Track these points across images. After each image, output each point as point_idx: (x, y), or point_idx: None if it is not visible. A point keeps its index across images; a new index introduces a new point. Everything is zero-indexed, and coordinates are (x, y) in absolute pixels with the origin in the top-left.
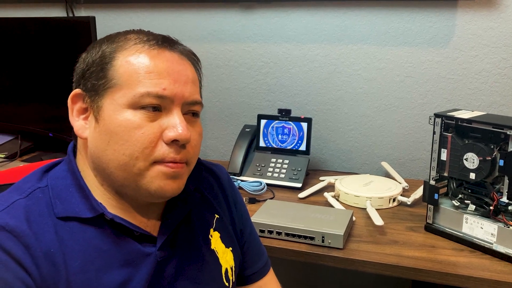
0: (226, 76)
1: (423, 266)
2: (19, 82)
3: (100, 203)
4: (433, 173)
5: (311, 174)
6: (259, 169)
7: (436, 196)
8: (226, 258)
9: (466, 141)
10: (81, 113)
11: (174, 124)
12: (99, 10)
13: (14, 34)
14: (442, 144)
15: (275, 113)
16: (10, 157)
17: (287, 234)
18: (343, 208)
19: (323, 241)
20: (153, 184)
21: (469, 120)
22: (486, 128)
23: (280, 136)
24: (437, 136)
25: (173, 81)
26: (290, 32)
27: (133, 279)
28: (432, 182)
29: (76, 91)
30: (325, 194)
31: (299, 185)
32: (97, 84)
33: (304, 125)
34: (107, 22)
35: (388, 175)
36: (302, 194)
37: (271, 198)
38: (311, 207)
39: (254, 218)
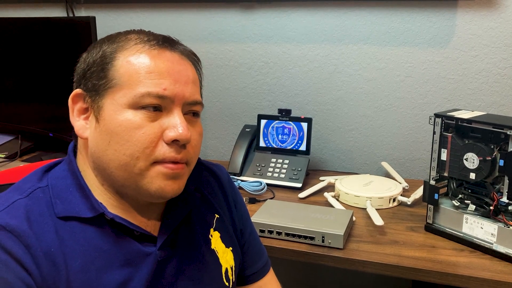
0: (226, 76)
1: (423, 266)
2: (19, 82)
3: (101, 203)
4: (433, 173)
5: (311, 174)
6: (259, 169)
7: (436, 196)
8: (226, 258)
9: (466, 141)
10: (81, 113)
11: (175, 124)
12: (99, 10)
13: (14, 34)
14: (442, 144)
15: (275, 113)
16: (10, 157)
17: (287, 234)
18: (343, 208)
19: (323, 241)
20: (153, 185)
21: (469, 120)
22: (486, 128)
23: (280, 136)
24: (437, 136)
25: (173, 81)
26: (290, 32)
27: (134, 279)
28: (432, 182)
29: (77, 91)
30: (325, 194)
31: (299, 185)
32: (98, 84)
33: (304, 125)
34: (107, 22)
35: (388, 175)
36: (302, 194)
37: (271, 198)
38: (311, 207)
39: (254, 218)
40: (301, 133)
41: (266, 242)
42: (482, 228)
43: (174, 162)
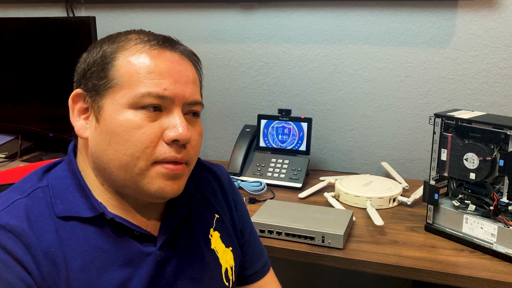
0: (226, 76)
1: (423, 266)
2: (19, 82)
3: (101, 203)
4: (433, 173)
5: (311, 174)
6: (259, 169)
7: (436, 196)
8: (226, 258)
9: (466, 141)
10: (82, 113)
11: (175, 124)
12: (100, 10)
13: (14, 34)
14: (442, 144)
15: (275, 113)
16: (11, 157)
17: (287, 234)
18: (343, 208)
19: (323, 241)
20: (153, 185)
21: (469, 120)
22: (486, 128)
23: (280, 136)
24: (437, 136)
25: (173, 81)
26: (290, 32)
27: (133, 279)
28: (432, 182)
29: (77, 91)
30: (325, 194)
31: (299, 185)
32: (98, 84)
33: (304, 125)
34: (108, 22)
35: (388, 175)
36: (302, 194)
37: (271, 198)
38: (311, 207)
39: (254, 218)
40: (301, 133)
41: (266, 242)
42: (482, 228)
43: (174, 162)
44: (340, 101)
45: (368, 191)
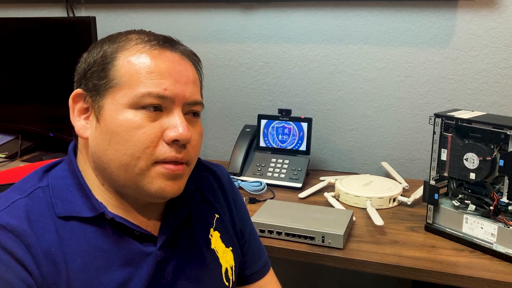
0: (227, 76)
1: (423, 266)
2: (19, 82)
3: (101, 203)
4: (433, 173)
5: (311, 174)
6: (259, 169)
7: (436, 196)
8: (226, 257)
9: (466, 141)
10: (82, 113)
11: (175, 124)
12: (100, 10)
13: (14, 34)
14: (442, 144)
15: (276, 113)
16: (11, 157)
17: (287, 234)
18: (343, 208)
19: (323, 241)
20: (153, 185)
21: (469, 120)
22: (486, 128)
23: (280, 136)
24: (437, 136)
25: (174, 81)
26: (290, 32)
27: (134, 279)
28: (432, 182)
29: (77, 91)
30: (325, 194)
31: (299, 185)
32: (98, 84)
33: (304, 125)
34: (108, 22)
35: (388, 175)
36: (302, 194)
37: (271, 198)
38: (311, 207)
39: (254, 218)
40: (301, 133)
41: (266, 242)
42: (482, 228)
43: (175, 162)
44: (340, 101)
45: (368, 191)
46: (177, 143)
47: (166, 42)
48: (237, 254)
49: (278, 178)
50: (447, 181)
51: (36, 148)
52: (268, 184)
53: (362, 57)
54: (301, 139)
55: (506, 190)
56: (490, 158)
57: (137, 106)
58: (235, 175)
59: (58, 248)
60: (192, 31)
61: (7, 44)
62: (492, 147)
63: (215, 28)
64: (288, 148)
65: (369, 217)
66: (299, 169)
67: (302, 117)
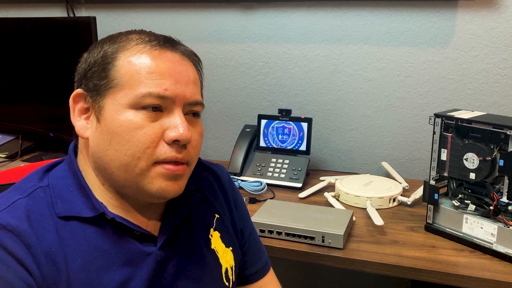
0: (227, 76)
1: (423, 266)
2: (20, 82)
3: (101, 203)
4: (433, 173)
5: (311, 174)
6: (259, 169)
7: (436, 196)
8: (226, 257)
9: (466, 141)
10: (82, 113)
11: (175, 124)
12: (100, 10)
13: (15, 34)
14: (442, 144)
15: (276, 113)
16: (11, 157)
17: (287, 234)
18: (343, 208)
19: (323, 241)
20: (154, 185)
21: (469, 120)
22: (486, 128)
23: (280, 136)
24: (437, 136)
25: (174, 82)
26: (290, 32)
27: (134, 279)
28: (432, 182)
29: (78, 91)
30: (325, 194)
31: (299, 185)
32: (99, 84)
33: (305, 125)
34: (108, 22)
35: (388, 175)
36: (302, 194)
37: (272, 198)
38: (311, 207)
39: (254, 218)
40: (301, 133)
41: (266, 242)
42: (482, 228)
43: (175, 162)
44: (340, 101)
45: (368, 191)
46: (177, 143)
47: (167, 42)
48: (237, 254)
49: (278, 178)
50: (447, 181)
51: (36, 148)
52: (268, 184)
53: (362, 57)
54: (301, 139)
55: (506, 190)
56: (490, 158)
57: (137, 106)
58: (235, 175)
59: (59, 248)
60: (192, 31)
61: (7, 44)
62: (492, 147)
63: (215, 28)
64: (288, 148)
65: (369, 217)
66: (299, 169)
67: (302, 117)
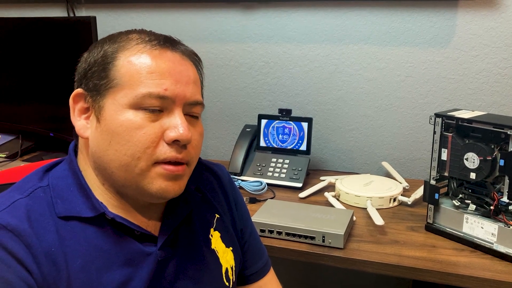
0: (227, 76)
1: (424, 266)
2: (20, 82)
3: (101, 203)
4: (434, 173)
5: (311, 174)
6: (259, 169)
7: (436, 196)
8: (226, 257)
9: (467, 141)
10: (82, 113)
11: (176, 124)
12: (100, 10)
13: (15, 34)
14: (443, 144)
15: (276, 113)
16: (11, 157)
17: (287, 234)
18: (343, 208)
19: (323, 240)
20: (154, 185)
21: (469, 120)
22: (486, 128)
23: (280, 136)
24: (437, 136)
25: (174, 82)
26: (290, 32)
27: (134, 279)
28: (433, 182)
29: (78, 90)
30: (326, 194)
31: (299, 185)
32: (99, 84)
33: (305, 125)
34: (108, 22)
35: (388, 175)
36: (302, 194)
37: (272, 198)
38: (312, 207)
39: (255, 218)
40: (302, 133)
41: (266, 241)
42: (482, 228)
43: (175, 163)
44: (340, 101)
45: (369, 191)
46: (177, 143)
47: (167, 42)
48: (238, 254)
49: (279, 178)
50: (447, 181)
51: (36, 148)
52: (268, 184)
53: (363, 57)
54: (301, 139)
55: (507, 190)
56: (490, 158)
57: (137, 106)
58: (236, 175)
59: (59, 248)
60: (193, 31)
61: (7, 44)
62: (493, 146)
63: (215, 28)
64: (289, 148)
65: (369, 217)
66: (300, 169)
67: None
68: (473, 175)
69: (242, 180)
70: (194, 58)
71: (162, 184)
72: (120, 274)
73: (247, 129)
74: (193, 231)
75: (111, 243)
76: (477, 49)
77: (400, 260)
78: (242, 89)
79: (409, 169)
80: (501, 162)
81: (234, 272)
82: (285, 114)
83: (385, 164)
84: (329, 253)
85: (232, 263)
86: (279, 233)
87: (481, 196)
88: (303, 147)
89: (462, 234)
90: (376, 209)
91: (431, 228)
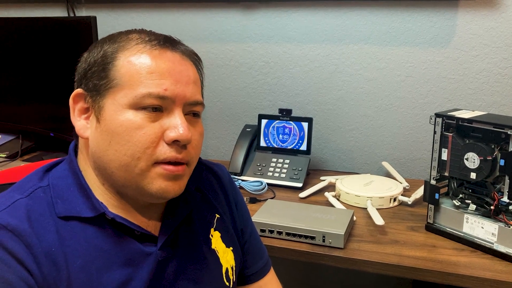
0: (227, 76)
1: (424, 265)
2: (20, 82)
3: (101, 203)
4: (434, 173)
5: (311, 174)
6: (259, 169)
7: (436, 195)
8: (226, 257)
9: (467, 141)
10: (82, 113)
11: (175, 124)
12: (100, 10)
13: (15, 34)
14: (443, 144)
15: (276, 113)
16: (11, 157)
17: (288, 234)
18: (343, 208)
19: (323, 240)
20: (154, 185)
21: (469, 120)
22: (486, 128)
23: (281, 136)
24: (437, 136)
25: (174, 82)
26: (291, 32)
27: (134, 279)
28: (433, 182)
29: (78, 91)
30: (326, 193)
31: (299, 184)
32: (99, 84)
33: (305, 125)
34: (108, 22)
35: (388, 175)
36: (302, 194)
37: (272, 198)
38: (312, 206)
39: (255, 218)
40: (302, 133)
41: (266, 241)
42: (482, 227)
43: (175, 163)
44: (340, 101)
45: (369, 191)
46: (177, 144)
47: (167, 42)
48: (238, 254)
49: (279, 178)
50: (447, 180)
51: (36, 148)
52: (268, 184)
53: (363, 57)
54: (301, 139)
55: (507, 190)
56: (490, 158)
57: (137, 106)
58: (236, 175)
59: (59, 248)
60: (193, 30)
61: (7, 44)
62: (493, 146)
63: (215, 28)
64: (289, 148)
65: (369, 217)
66: (300, 168)
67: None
68: (473, 175)
69: (242, 180)
70: (194, 58)
71: (162, 184)
72: (120, 274)
73: (247, 129)
74: (193, 231)
75: (111, 243)
76: (477, 49)
77: (400, 260)
78: (242, 89)
79: (409, 169)
80: (502, 162)
81: (234, 272)
82: (285, 114)
83: (385, 164)
84: (329, 253)
85: (233, 263)
86: (279, 233)
87: (482, 196)
88: (303, 147)
89: (462, 234)
90: (376, 209)
91: (431, 228)
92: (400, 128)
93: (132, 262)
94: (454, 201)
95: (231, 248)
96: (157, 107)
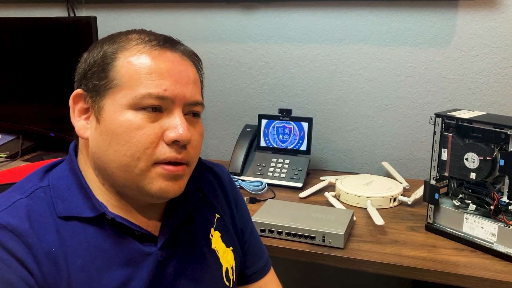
0: (227, 76)
1: (424, 265)
2: (20, 82)
3: (101, 203)
4: (434, 173)
5: (311, 174)
6: (259, 169)
7: (436, 195)
8: (226, 257)
9: (467, 141)
10: (82, 113)
11: (175, 125)
12: (100, 10)
13: (15, 34)
14: (443, 144)
15: (276, 113)
16: (12, 157)
17: (287, 234)
18: (343, 207)
19: (323, 240)
20: (154, 185)
21: (469, 120)
22: (486, 128)
23: (281, 136)
24: (437, 136)
25: (174, 82)
26: (291, 32)
27: (134, 279)
28: (433, 182)
29: (78, 91)
30: (326, 194)
31: (299, 184)
32: (99, 84)
33: (305, 125)
34: (108, 22)
35: (388, 175)
36: (302, 194)
37: (272, 198)
38: (312, 206)
39: (255, 218)
40: (302, 133)
41: (266, 241)
42: (482, 227)
43: (175, 163)
44: (340, 101)
45: (369, 191)
46: (177, 144)
47: (167, 42)
48: (238, 254)
49: (279, 178)
50: (447, 180)
51: (37, 148)
52: (268, 184)
53: (363, 57)
54: (301, 139)
55: (507, 190)
56: (490, 158)
57: (137, 107)
58: (236, 175)
59: (59, 248)
60: (193, 31)
61: (7, 44)
62: (493, 146)
63: (215, 28)
64: (289, 148)
65: (369, 217)
66: (300, 169)
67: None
68: (473, 175)
69: (242, 180)
70: (194, 58)
71: (162, 184)
72: (120, 274)
73: (247, 129)
74: (193, 231)
75: (111, 243)
76: (477, 49)
77: (400, 260)
78: (242, 89)
79: (409, 169)
80: (501, 162)
81: (234, 272)
82: (285, 114)
83: (385, 164)
84: (329, 253)
85: (233, 263)
86: (279, 233)
87: (481, 196)
88: (303, 147)
89: (462, 234)
90: (376, 209)
91: (431, 228)
92: (400, 128)
93: (132, 262)
94: (454, 201)
95: (231, 248)
96: (156, 108)
